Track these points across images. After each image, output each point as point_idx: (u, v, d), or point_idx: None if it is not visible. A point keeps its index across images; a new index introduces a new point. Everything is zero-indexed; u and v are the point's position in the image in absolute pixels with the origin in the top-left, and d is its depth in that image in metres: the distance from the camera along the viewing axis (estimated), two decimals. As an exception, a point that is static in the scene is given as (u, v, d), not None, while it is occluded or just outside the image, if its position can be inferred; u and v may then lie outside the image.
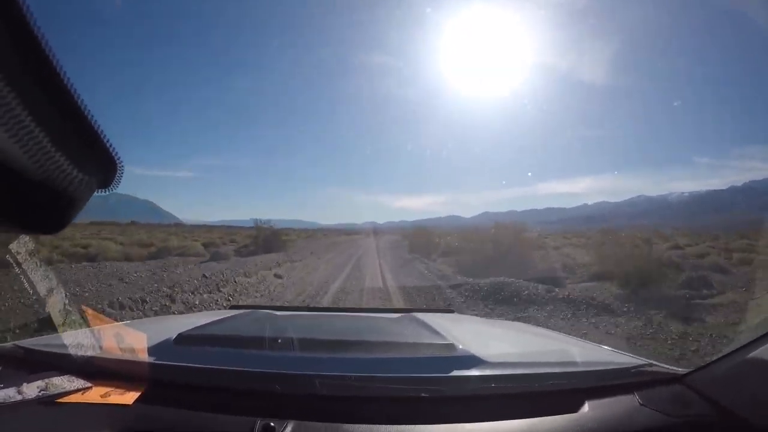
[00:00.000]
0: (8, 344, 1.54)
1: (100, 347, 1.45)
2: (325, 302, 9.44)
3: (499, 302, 9.57)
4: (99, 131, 0.59)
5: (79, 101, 0.55)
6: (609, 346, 1.86)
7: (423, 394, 1.25)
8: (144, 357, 1.41)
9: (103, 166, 0.62)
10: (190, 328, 1.71)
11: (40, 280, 1.47)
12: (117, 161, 0.63)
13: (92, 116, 0.57)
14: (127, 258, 18.69)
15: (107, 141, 0.60)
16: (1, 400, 1.16)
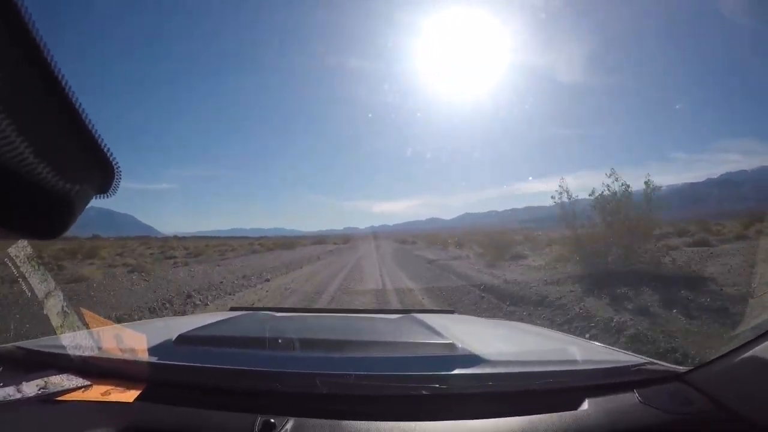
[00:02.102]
0: (9, 345, 1.54)
1: (101, 348, 1.45)
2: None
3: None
4: (97, 136, 0.59)
5: (77, 105, 0.55)
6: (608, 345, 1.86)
7: (423, 392, 1.25)
8: (144, 357, 1.42)
9: (101, 171, 0.62)
10: (191, 329, 1.72)
11: (39, 282, 1.47)
12: (115, 166, 0.63)
13: (90, 121, 0.57)
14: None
15: (105, 146, 0.60)
16: (1, 399, 1.17)
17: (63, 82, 0.53)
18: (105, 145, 0.60)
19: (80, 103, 0.55)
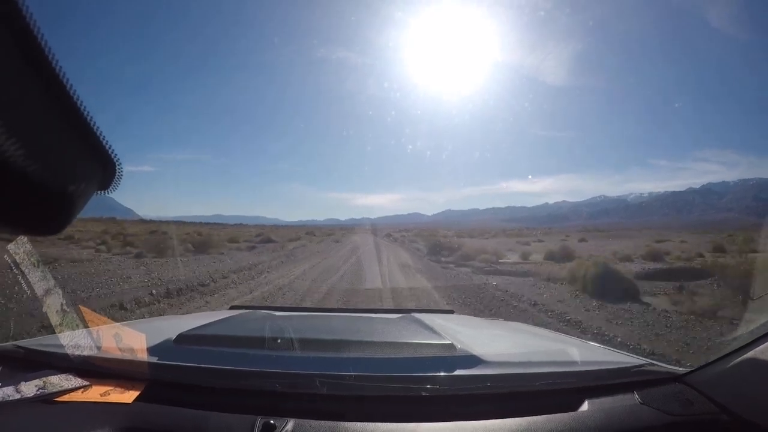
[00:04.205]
0: (8, 344, 1.53)
1: (101, 347, 1.45)
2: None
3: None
4: (98, 133, 0.59)
5: (78, 102, 0.55)
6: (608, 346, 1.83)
7: (423, 393, 1.26)
8: (144, 356, 1.42)
9: (101, 168, 0.63)
10: (190, 328, 1.71)
11: (38, 280, 1.45)
12: (116, 163, 0.63)
13: (91, 117, 0.57)
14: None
15: (106, 142, 0.61)
16: (0, 399, 1.16)
17: (64, 81, 0.53)
18: (107, 142, 0.61)
19: (82, 101, 0.55)
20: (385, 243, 36.42)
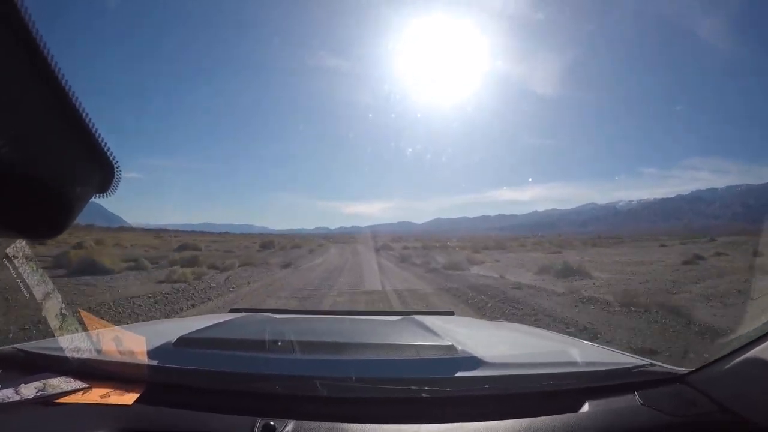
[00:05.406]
0: (8, 347, 1.53)
1: (101, 350, 1.44)
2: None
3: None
4: (97, 134, 0.59)
5: (78, 105, 0.55)
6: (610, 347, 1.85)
7: (423, 395, 1.26)
8: (144, 359, 1.41)
9: (101, 171, 0.63)
10: (190, 331, 1.71)
11: (37, 284, 1.45)
12: (115, 166, 0.63)
13: (90, 119, 0.57)
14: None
15: (105, 144, 0.61)
16: (0, 401, 1.16)
17: (64, 82, 0.53)
18: (106, 144, 0.60)
19: (81, 102, 0.55)
20: (414, 280, 15.00)
